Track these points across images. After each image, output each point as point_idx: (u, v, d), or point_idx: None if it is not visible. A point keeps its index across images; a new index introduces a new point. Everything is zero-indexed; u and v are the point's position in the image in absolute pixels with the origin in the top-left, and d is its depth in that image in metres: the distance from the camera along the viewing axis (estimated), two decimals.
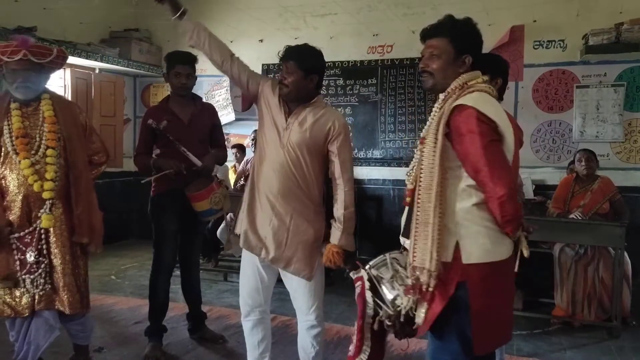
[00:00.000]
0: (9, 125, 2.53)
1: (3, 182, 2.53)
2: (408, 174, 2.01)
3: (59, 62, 2.64)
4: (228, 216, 4.67)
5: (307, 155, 2.46)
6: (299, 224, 2.48)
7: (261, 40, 6.37)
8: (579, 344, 3.66)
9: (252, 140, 5.50)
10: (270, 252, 2.47)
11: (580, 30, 5.15)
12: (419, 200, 1.85)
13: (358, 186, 5.95)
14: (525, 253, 1.91)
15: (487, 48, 5.24)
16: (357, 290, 2.00)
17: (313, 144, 2.46)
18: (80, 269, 2.67)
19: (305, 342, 2.60)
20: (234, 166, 6.06)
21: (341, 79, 6.08)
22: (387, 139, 5.99)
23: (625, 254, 3.90)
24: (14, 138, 2.51)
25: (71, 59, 5.54)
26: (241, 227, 2.55)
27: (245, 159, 5.83)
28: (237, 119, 6.42)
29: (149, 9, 6.61)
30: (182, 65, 3.22)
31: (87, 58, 5.63)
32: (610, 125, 5.22)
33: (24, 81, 2.52)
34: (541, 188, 5.35)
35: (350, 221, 2.50)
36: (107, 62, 5.94)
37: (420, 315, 1.84)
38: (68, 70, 5.74)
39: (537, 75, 5.44)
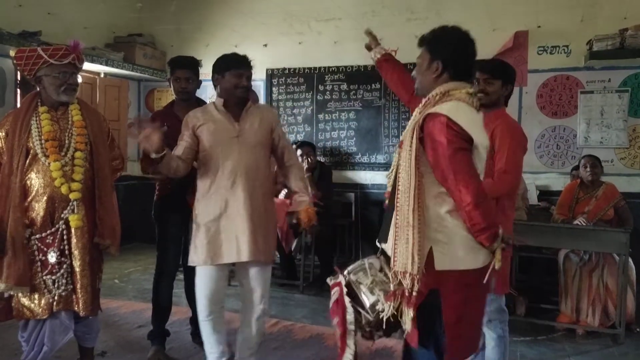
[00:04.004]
0: (38, 128, 2.56)
1: (28, 182, 2.55)
2: (388, 176, 2.04)
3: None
4: None
5: (263, 150, 2.77)
6: (267, 215, 2.74)
7: (265, 45, 6.39)
8: (583, 351, 3.64)
9: None
10: (245, 251, 2.63)
11: (585, 36, 5.15)
12: (398, 204, 1.87)
13: (361, 191, 5.95)
14: (497, 266, 1.87)
15: (490, 53, 5.28)
16: (334, 297, 1.99)
17: (265, 139, 2.77)
18: (96, 272, 2.70)
19: (253, 331, 2.78)
20: None
21: (345, 83, 6.09)
22: (390, 143, 5.98)
23: (630, 260, 3.89)
24: (43, 141, 2.54)
25: None
26: (203, 248, 2.67)
27: None
28: None
29: (153, 14, 6.66)
30: (181, 70, 3.27)
31: (91, 62, 5.65)
32: (614, 131, 5.20)
33: (73, 83, 2.62)
34: (545, 194, 5.34)
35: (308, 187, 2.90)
36: (112, 67, 5.96)
37: (407, 322, 1.83)
38: None
39: (541, 81, 5.43)
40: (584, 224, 4.01)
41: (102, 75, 6.18)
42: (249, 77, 2.75)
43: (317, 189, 5.09)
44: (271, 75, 6.39)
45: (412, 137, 1.87)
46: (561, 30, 5.33)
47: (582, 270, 3.96)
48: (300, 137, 6.16)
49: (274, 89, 6.41)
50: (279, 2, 6.26)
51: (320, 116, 6.20)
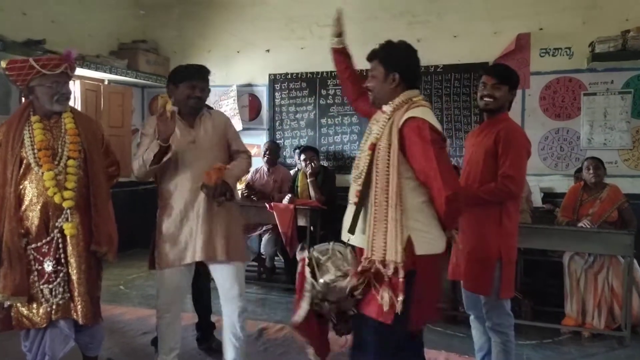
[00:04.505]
0: (30, 137, 2.56)
1: (22, 192, 2.55)
2: (356, 176, 2.23)
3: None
4: None
5: (220, 154, 2.90)
6: (229, 215, 2.85)
7: (268, 50, 6.41)
8: (589, 354, 3.63)
9: (266, 151, 5.48)
10: (200, 251, 2.76)
11: (587, 38, 5.14)
12: (376, 200, 2.09)
13: None
14: (460, 246, 2.29)
15: (493, 56, 5.29)
16: (299, 269, 2.23)
17: (220, 143, 2.92)
18: (94, 280, 2.69)
19: (236, 327, 2.90)
20: None
21: None
22: None
23: (635, 262, 3.87)
24: (36, 150, 2.54)
25: (80, 71, 5.59)
26: (167, 252, 2.82)
27: (254, 167, 5.81)
28: (244, 129, 6.45)
29: (156, 21, 6.70)
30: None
31: (96, 70, 5.68)
32: (617, 133, 5.20)
33: (65, 92, 2.63)
34: (550, 196, 5.33)
35: (241, 170, 2.98)
36: (116, 74, 5.99)
37: (392, 304, 2.02)
38: (78, 82, 5.80)
39: (544, 83, 5.43)
40: (589, 227, 4.00)
41: (106, 83, 6.21)
42: (202, 89, 2.87)
43: (320, 193, 5.10)
44: (274, 80, 6.40)
45: (389, 140, 2.09)
46: (563, 33, 5.33)
47: (587, 272, 3.95)
48: (303, 142, 6.17)
49: (276, 94, 6.43)
50: (280, 8, 6.28)
51: (323, 120, 6.22)
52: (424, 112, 2.11)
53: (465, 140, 3.07)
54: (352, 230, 2.19)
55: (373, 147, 2.14)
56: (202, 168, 2.77)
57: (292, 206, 4.81)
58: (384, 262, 2.03)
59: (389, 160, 2.07)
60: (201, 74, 2.89)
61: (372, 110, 2.34)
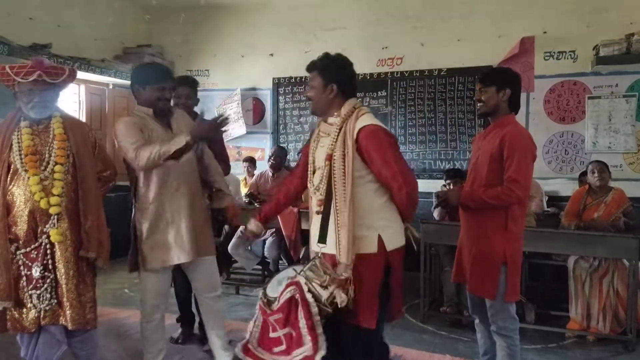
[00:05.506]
0: (19, 143, 2.55)
1: (10, 197, 2.54)
2: (317, 187, 2.33)
3: (70, 81, 2.69)
4: (239, 230, 4.69)
5: (192, 154, 2.88)
6: (203, 214, 2.95)
7: (272, 54, 6.44)
8: (594, 358, 3.61)
9: (271, 156, 5.46)
10: (188, 251, 2.79)
11: (591, 41, 5.15)
12: (338, 208, 2.21)
13: None
14: (417, 235, 2.41)
15: (497, 60, 5.29)
16: (288, 295, 2.17)
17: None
18: (87, 285, 2.65)
19: (217, 311, 3.06)
20: (245, 179, 6.08)
21: None
22: None
23: None
24: (23, 156, 2.53)
25: (85, 75, 5.64)
26: (154, 253, 2.81)
27: (259, 172, 5.81)
28: (248, 132, 6.47)
29: (161, 26, 6.73)
30: (182, 87, 3.40)
31: (101, 74, 5.72)
32: (622, 136, 5.19)
33: (40, 100, 2.56)
34: (554, 199, 5.32)
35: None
36: (121, 78, 6.02)
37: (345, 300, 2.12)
38: (82, 86, 5.83)
39: (548, 86, 5.44)
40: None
41: (110, 87, 6.24)
42: (170, 89, 2.84)
43: None
44: (277, 84, 6.42)
45: (344, 150, 2.22)
46: (567, 36, 5.34)
47: (592, 276, 3.93)
48: None
49: (280, 97, 6.45)
50: (284, 13, 6.31)
51: None
52: (371, 118, 2.29)
53: (472, 143, 3.08)
54: (322, 240, 2.27)
55: (330, 158, 2.26)
56: (182, 169, 2.78)
57: (296, 210, 4.81)
58: (347, 266, 2.17)
59: (344, 169, 2.20)
60: (168, 73, 2.87)
61: (298, 180, 2.60)
